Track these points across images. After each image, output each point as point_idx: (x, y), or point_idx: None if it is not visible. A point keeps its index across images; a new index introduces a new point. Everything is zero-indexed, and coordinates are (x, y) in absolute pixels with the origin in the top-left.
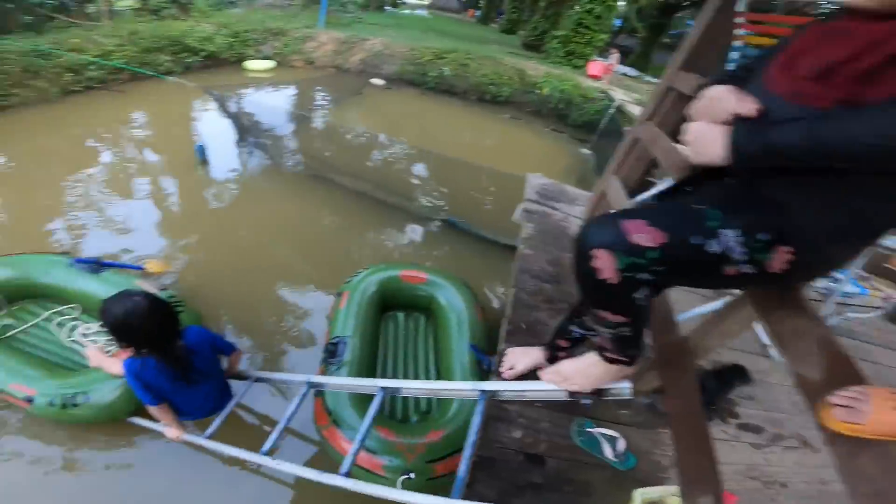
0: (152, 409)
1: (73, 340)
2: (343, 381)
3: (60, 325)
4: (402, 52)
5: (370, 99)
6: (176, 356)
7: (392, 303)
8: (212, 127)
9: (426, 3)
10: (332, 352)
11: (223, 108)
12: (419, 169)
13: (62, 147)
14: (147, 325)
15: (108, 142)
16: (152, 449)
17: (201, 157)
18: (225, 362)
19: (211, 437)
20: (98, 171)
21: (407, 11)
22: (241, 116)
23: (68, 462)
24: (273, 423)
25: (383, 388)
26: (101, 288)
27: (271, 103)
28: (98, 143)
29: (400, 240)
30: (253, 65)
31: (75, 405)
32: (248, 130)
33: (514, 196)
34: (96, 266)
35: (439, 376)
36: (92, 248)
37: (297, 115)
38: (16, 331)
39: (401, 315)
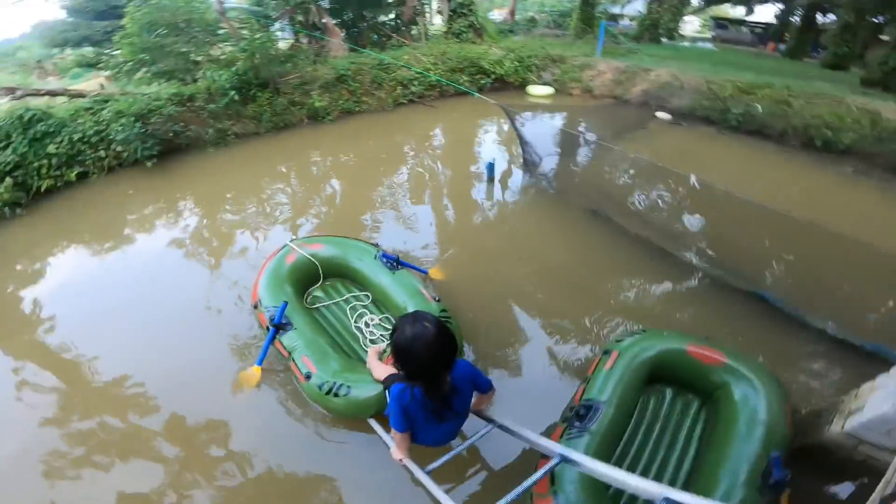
0: (396, 434)
1: (357, 326)
2: (612, 472)
3: (354, 308)
4: (695, 85)
5: (656, 134)
6: (442, 394)
7: (663, 375)
8: (500, 146)
9: (709, 35)
10: (580, 415)
11: (515, 128)
12: (718, 220)
13: (386, 151)
14: (426, 355)
15: (417, 150)
16: (371, 452)
17: (489, 174)
18: (474, 397)
19: (429, 473)
20: (404, 175)
21: (686, 44)
22: (526, 139)
23: (298, 428)
24: (498, 479)
25: (667, 501)
26: (392, 284)
27: (551, 129)
28: (410, 151)
29: (684, 303)
30: (534, 90)
31: (336, 395)
32: (531, 154)
33: (871, 277)
34: (395, 264)
35: (696, 481)
36: (384, 242)
37: (577, 145)
38: (322, 304)
39: (669, 392)
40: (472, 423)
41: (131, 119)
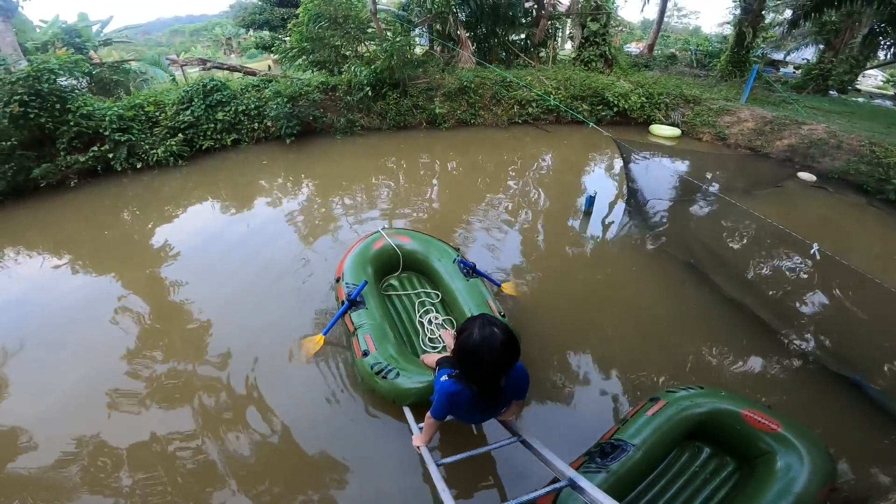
0: (430, 420)
1: (420, 321)
2: None
3: (422, 304)
4: (855, 146)
5: (793, 196)
6: (496, 395)
7: (707, 433)
8: (606, 182)
9: (892, 92)
10: (605, 452)
11: (625, 164)
12: (840, 302)
13: (492, 166)
14: (491, 361)
15: (521, 171)
16: (392, 441)
17: (588, 206)
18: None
19: (441, 466)
20: (504, 193)
21: (861, 100)
22: (636, 179)
23: (333, 406)
24: (504, 489)
25: None
26: (463, 290)
27: (667, 173)
28: (513, 170)
29: (766, 378)
30: (658, 129)
31: (385, 377)
32: (637, 195)
33: None
34: (471, 271)
35: None
36: (468, 251)
37: (691, 193)
38: (395, 293)
39: (707, 450)
40: (496, 432)
41: (284, 100)
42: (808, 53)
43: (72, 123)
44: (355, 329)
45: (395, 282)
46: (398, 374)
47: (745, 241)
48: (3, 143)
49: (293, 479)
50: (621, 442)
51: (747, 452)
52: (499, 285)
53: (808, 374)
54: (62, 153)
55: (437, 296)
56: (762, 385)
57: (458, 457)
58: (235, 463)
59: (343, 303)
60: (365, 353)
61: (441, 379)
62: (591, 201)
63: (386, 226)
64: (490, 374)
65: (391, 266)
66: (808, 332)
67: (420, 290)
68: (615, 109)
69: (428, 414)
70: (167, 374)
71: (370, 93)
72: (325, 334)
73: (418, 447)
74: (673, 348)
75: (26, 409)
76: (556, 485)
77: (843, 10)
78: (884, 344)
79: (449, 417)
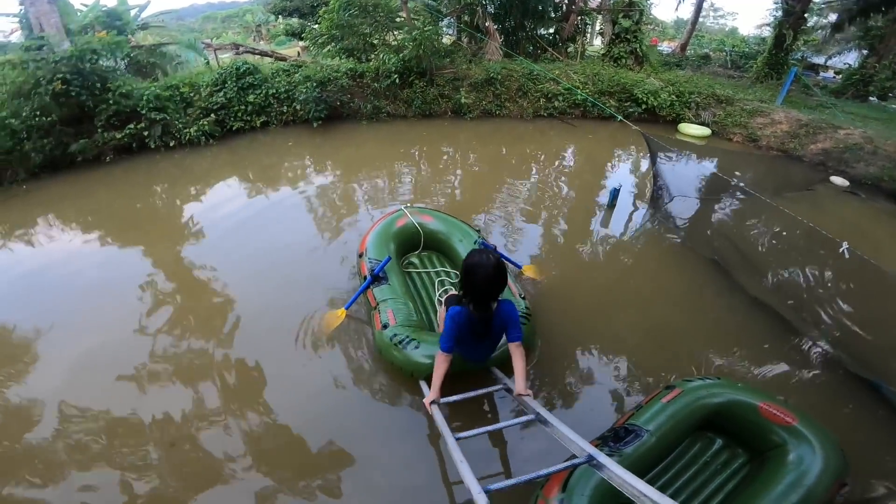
0: (440, 355)
1: (438, 300)
2: (639, 484)
3: (442, 283)
4: (893, 153)
5: (824, 200)
6: (486, 317)
7: (720, 423)
8: (631, 177)
9: None
10: (619, 436)
11: (652, 158)
12: (868, 302)
13: (515, 158)
14: (483, 278)
15: (545, 164)
16: (405, 413)
17: (612, 199)
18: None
19: (459, 440)
20: (527, 184)
21: None
22: (662, 174)
23: (348, 387)
24: (517, 466)
25: None
26: None
27: (694, 171)
28: (536, 162)
29: (778, 370)
30: (687, 128)
31: (403, 348)
32: (663, 190)
33: None
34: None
35: None
36: (490, 239)
37: (719, 190)
38: (415, 270)
39: (719, 441)
40: (514, 411)
41: (313, 84)
42: (850, 58)
43: (111, 102)
44: (377, 304)
45: (415, 259)
46: (417, 346)
47: (771, 239)
48: (45, 118)
49: (302, 462)
50: (636, 427)
51: (760, 445)
52: (520, 267)
53: (827, 375)
54: (100, 130)
55: (457, 275)
56: (779, 383)
57: (476, 431)
58: (249, 440)
59: (366, 278)
60: (385, 326)
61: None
62: (615, 194)
63: (408, 205)
64: (483, 290)
65: (412, 244)
66: (831, 334)
67: (440, 269)
68: (643, 106)
69: (440, 350)
70: (186, 352)
71: (397, 80)
72: (346, 308)
73: (429, 402)
74: (691, 342)
75: (48, 382)
76: (573, 461)
77: (890, 14)
78: None
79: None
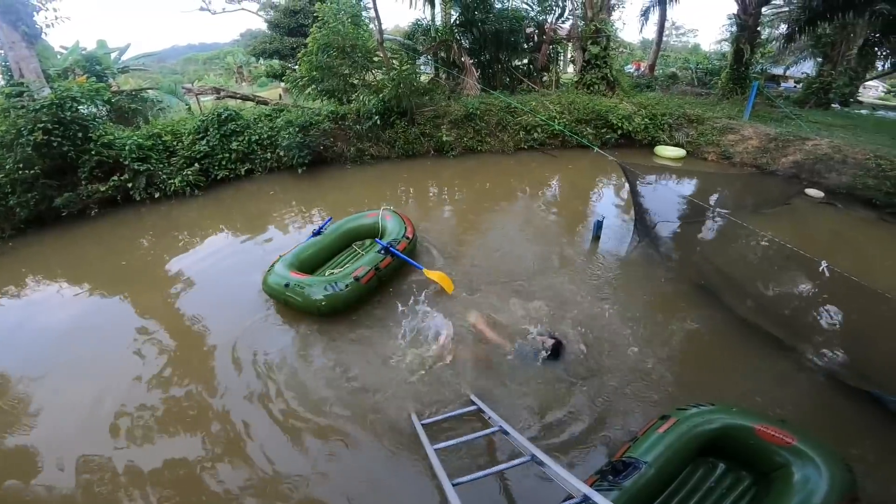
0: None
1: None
2: None
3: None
4: (861, 159)
5: (802, 213)
6: None
7: (721, 448)
8: (614, 206)
9: (894, 102)
10: (618, 469)
11: (632, 187)
12: (857, 319)
13: (500, 191)
14: None
15: (529, 196)
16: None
17: (596, 231)
18: None
19: (455, 484)
20: (511, 217)
21: (864, 111)
22: (643, 202)
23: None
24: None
25: None
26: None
27: (674, 195)
28: (521, 196)
29: (775, 389)
30: (664, 150)
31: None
32: (646, 218)
33: None
34: (384, 251)
35: None
36: (474, 269)
37: (700, 215)
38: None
39: (721, 466)
40: (510, 453)
41: (296, 129)
42: (808, 67)
43: (93, 152)
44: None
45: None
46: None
47: (754, 260)
48: (27, 171)
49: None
50: (633, 459)
51: (763, 466)
52: (421, 268)
53: (824, 389)
54: (84, 182)
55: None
56: (778, 401)
57: (473, 476)
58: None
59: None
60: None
61: None
62: (599, 226)
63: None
64: None
65: (373, 232)
66: (824, 349)
67: (368, 249)
68: (619, 132)
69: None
70: (179, 398)
71: (379, 121)
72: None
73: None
74: (682, 370)
75: (42, 431)
76: (570, 502)
77: (836, 22)
78: None
79: None
